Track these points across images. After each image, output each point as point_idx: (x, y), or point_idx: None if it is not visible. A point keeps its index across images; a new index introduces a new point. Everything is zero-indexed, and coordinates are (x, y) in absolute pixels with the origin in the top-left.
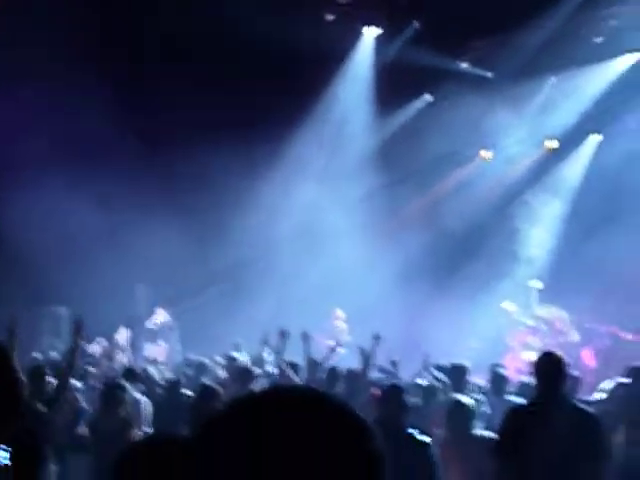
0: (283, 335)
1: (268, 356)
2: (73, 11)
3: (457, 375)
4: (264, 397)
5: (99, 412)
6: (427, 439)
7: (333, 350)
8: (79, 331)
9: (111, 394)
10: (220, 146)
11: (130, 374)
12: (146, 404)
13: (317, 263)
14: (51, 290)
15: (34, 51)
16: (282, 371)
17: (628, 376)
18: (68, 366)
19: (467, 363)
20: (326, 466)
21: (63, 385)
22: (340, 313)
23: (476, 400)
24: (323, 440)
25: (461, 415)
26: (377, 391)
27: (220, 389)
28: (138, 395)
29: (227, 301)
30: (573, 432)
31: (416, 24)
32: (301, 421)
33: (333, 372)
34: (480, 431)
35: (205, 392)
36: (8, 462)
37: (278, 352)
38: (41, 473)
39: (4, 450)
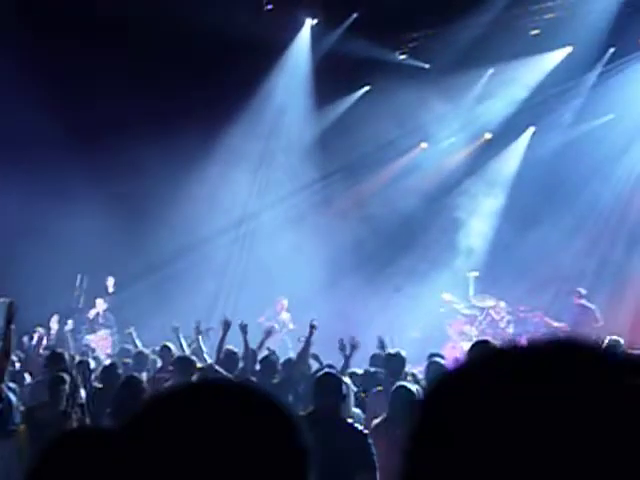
0: (226, 325)
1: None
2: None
3: (394, 365)
4: (189, 390)
5: (37, 402)
6: (364, 428)
7: (269, 334)
8: (11, 313)
9: (53, 386)
10: (155, 137)
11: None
12: None
13: (251, 254)
14: None
15: None
16: (220, 360)
17: None
18: (3, 353)
19: (403, 352)
20: (250, 460)
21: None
22: (285, 302)
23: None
24: (248, 433)
25: (404, 402)
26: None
27: (143, 380)
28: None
29: (163, 291)
30: None
31: (354, 15)
32: (227, 414)
33: (267, 360)
34: None
35: (128, 383)
36: None
37: (221, 342)
38: None
39: None
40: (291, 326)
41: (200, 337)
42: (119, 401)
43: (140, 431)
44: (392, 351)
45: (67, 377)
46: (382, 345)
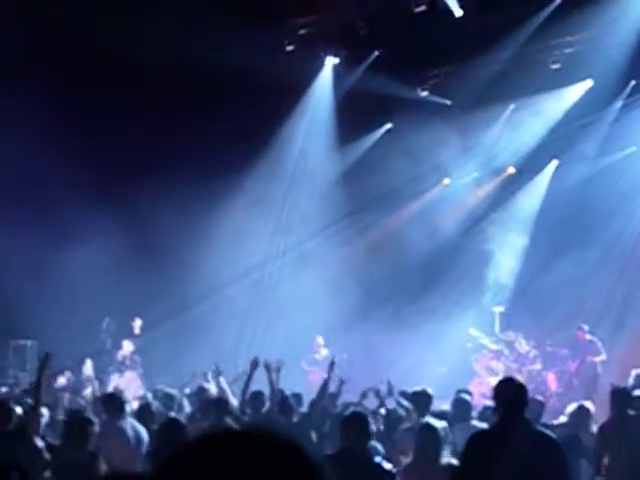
0: (254, 364)
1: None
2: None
3: (421, 402)
4: (219, 437)
5: (65, 445)
6: (392, 467)
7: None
8: (45, 366)
9: (78, 427)
10: (177, 180)
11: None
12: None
13: (275, 296)
14: (18, 323)
15: None
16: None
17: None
18: (34, 401)
19: (430, 390)
20: None
21: (30, 418)
22: (320, 340)
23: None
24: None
25: (430, 439)
26: None
27: (184, 423)
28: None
29: (188, 335)
30: (534, 457)
31: (375, 53)
32: (253, 465)
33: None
34: (446, 458)
35: (169, 425)
36: None
37: (247, 382)
38: None
39: None
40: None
41: (221, 379)
42: (159, 443)
43: (171, 478)
44: (418, 388)
45: (94, 418)
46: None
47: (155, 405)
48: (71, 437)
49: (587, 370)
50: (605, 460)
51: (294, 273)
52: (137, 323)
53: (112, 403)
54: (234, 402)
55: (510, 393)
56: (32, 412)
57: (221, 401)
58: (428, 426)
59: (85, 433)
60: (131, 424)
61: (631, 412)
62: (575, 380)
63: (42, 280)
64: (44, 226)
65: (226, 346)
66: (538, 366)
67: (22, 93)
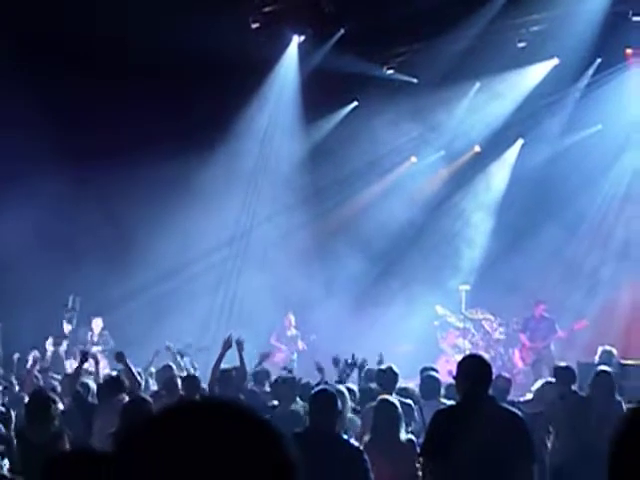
0: (227, 344)
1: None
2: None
3: (387, 379)
4: (172, 412)
5: (28, 425)
6: (359, 445)
7: (265, 356)
8: None
9: (40, 407)
10: (144, 157)
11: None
12: None
13: (243, 274)
14: None
15: None
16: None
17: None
18: None
19: (396, 367)
20: (237, 475)
21: None
22: (292, 318)
23: (407, 404)
24: (235, 450)
25: (388, 415)
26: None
27: (150, 401)
28: None
29: (153, 314)
30: (498, 434)
31: (341, 31)
32: (214, 432)
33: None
34: (405, 435)
35: (134, 403)
36: None
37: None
38: None
39: None
40: (300, 346)
41: (185, 359)
42: (124, 421)
43: (128, 455)
44: (383, 366)
45: (57, 397)
46: (380, 361)
47: None
48: (34, 417)
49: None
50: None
51: (260, 252)
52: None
53: (113, 383)
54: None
55: (474, 369)
56: None
57: (190, 378)
58: (385, 402)
59: (48, 413)
60: None
61: (575, 390)
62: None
63: (6, 258)
64: (2, 204)
65: (192, 325)
66: (502, 337)
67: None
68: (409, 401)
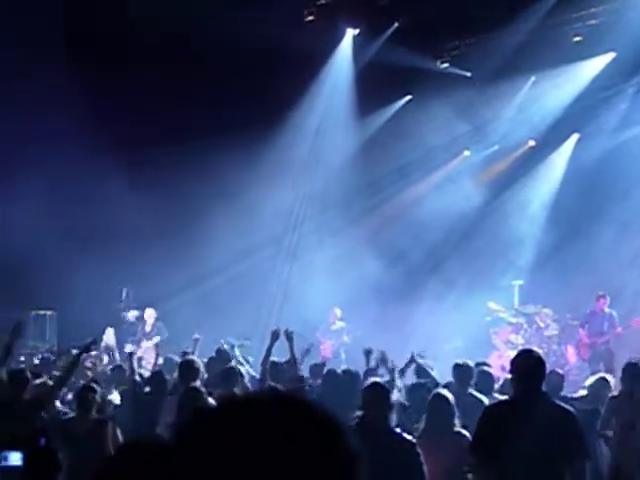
0: (274, 335)
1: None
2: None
3: (462, 374)
4: (241, 402)
5: (75, 414)
6: (413, 438)
7: (307, 352)
8: (16, 335)
9: (82, 396)
10: (198, 149)
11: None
12: None
13: (295, 265)
14: (37, 294)
15: None
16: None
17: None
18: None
19: (471, 363)
20: (301, 467)
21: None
22: (338, 312)
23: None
24: (298, 442)
25: (441, 409)
26: None
27: (204, 391)
28: None
29: (208, 303)
30: (551, 430)
31: (395, 24)
32: (277, 424)
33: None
34: (458, 427)
35: (189, 394)
36: (20, 463)
37: (267, 352)
38: (55, 478)
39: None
40: (345, 339)
41: (236, 350)
42: (182, 412)
43: (191, 445)
44: (460, 361)
45: (97, 387)
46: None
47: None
48: (77, 406)
49: (605, 343)
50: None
51: (313, 244)
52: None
53: (188, 369)
54: (253, 373)
55: (528, 365)
56: (58, 382)
57: (231, 371)
58: (439, 395)
59: (87, 401)
60: None
61: None
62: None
63: (61, 250)
64: (63, 194)
65: (244, 317)
66: (557, 333)
67: (41, 61)
68: (483, 397)
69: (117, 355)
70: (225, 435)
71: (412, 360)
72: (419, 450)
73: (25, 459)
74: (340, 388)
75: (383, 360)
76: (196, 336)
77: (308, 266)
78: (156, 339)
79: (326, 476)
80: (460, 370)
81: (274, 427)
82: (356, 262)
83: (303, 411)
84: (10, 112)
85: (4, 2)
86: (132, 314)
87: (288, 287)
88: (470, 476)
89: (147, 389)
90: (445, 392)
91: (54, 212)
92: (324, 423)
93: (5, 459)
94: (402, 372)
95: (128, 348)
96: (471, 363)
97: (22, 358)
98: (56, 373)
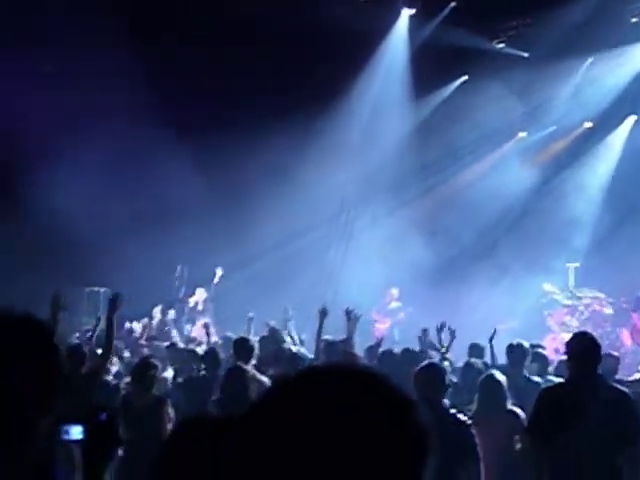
0: (323, 313)
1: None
2: None
3: (516, 355)
4: (309, 376)
5: (132, 389)
6: (467, 419)
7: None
8: (116, 308)
9: (141, 372)
10: (255, 130)
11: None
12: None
13: (350, 245)
14: (91, 271)
15: None
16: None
17: None
18: (107, 343)
19: (526, 344)
20: (374, 440)
21: (103, 361)
22: (394, 292)
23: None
24: (370, 414)
25: (493, 390)
26: None
27: (249, 369)
28: None
29: (260, 283)
30: (607, 412)
31: (452, 4)
32: (350, 398)
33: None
34: (511, 407)
35: (234, 372)
36: (81, 437)
37: (319, 330)
38: (114, 452)
39: (76, 425)
40: (402, 315)
41: (289, 324)
42: (227, 390)
43: (263, 419)
44: (514, 342)
45: (157, 362)
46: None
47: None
48: (136, 383)
49: None
50: None
51: (368, 225)
52: (218, 272)
53: (242, 347)
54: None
55: (583, 347)
56: (104, 354)
57: (283, 351)
58: (491, 377)
59: (147, 378)
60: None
61: None
62: None
63: (114, 227)
64: (120, 176)
65: (299, 295)
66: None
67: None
68: (537, 379)
69: (173, 332)
70: (300, 408)
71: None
72: (474, 431)
73: (86, 433)
74: (397, 368)
75: (441, 332)
76: (250, 315)
77: (361, 247)
78: (207, 318)
79: (399, 449)
80: (514, 351)
81: (347, 399)
82: (409, 244)
83: (375, 383)
84: (75, 89)
85: None
86: (193, 299)
87: (342, 267)
88: (523, 455)
89: (202, 366)
90: (497, 373)
91: (113, 191)
92: (397, 397)
93: (67, 433)
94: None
95: (198, 324)
96: (526, 344)
97: (77, 334)
98: None
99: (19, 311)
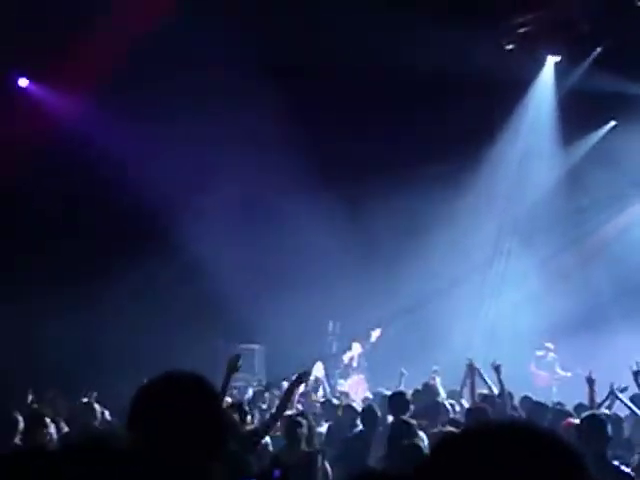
0: (473, 368)
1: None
2: None
3: None
4: (489, 431)
5: (285, 447)
6: (631, 472)
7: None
8: (233, 368)
9: (290, 429)
10: (398, 179)
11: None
12: None
13: (499, 299)
14: (245, 328)
15: None
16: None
17: None
18: (280, 407)
19: None
20: None
21: (272, 422)
22: (550, 345)
23: None
24: (543, 473)
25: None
26: (572, 420)
27: (414, 423)
28: None
29: (411, 337)
30: None
31: (598, 49)
32: (524, 455)
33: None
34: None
35: (401, 426)
36: None
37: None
38: None
39: None
40: (560, 371)
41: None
42: (393, 444)
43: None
44: None
45: (304, 420)
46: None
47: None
48: (287, 437)
49: None
50: None
51: (519, 274)
52: (375, 333)
53: (399, 402)
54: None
55: None
56: (276, 415)
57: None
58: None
59: (295, 435)
60: None
61: None
62: None
63: (267, 284)
64: (268, 229)
65: (451, 349)
66: None
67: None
68: None
69: (327, 388)
70: (474, 466)
71: (611, 393)
72: None
73: None
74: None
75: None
76: (403, 371)
77: (516, 295)
78: (361, 374)
79: None
80: None
81: (521, 457)
82: (563, 293)
83: (548, 443)
84: (204, 116)
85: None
86: (348, 355)
87: (497, 316)
88: None
89: (358, 423)
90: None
91: (258, 249)
92: (570, 456)
93: None
94: (599, 406)
95: (352, 380)
96: None
97: (235, 391)
98: (263, 406)
99: (192, 374)
